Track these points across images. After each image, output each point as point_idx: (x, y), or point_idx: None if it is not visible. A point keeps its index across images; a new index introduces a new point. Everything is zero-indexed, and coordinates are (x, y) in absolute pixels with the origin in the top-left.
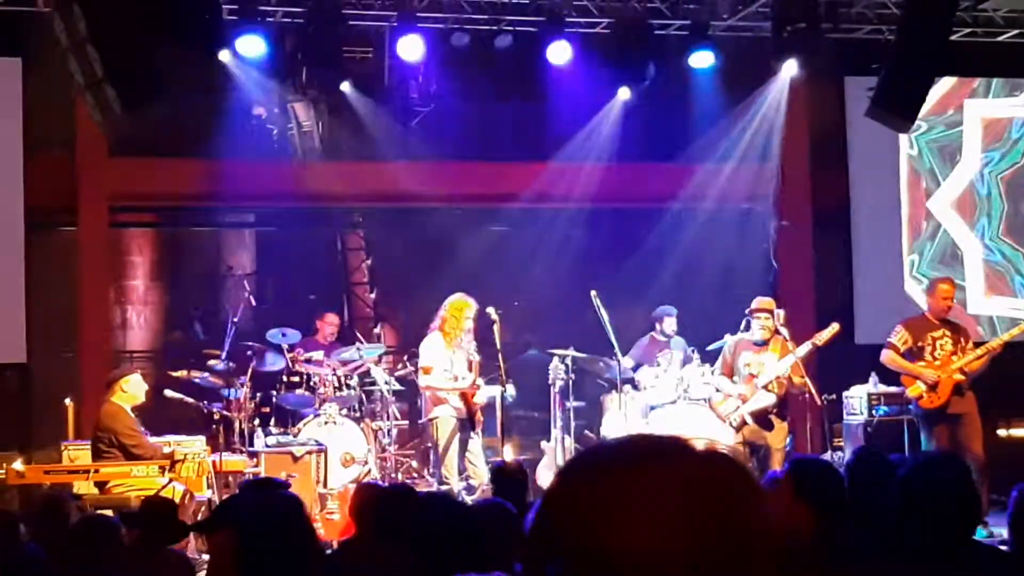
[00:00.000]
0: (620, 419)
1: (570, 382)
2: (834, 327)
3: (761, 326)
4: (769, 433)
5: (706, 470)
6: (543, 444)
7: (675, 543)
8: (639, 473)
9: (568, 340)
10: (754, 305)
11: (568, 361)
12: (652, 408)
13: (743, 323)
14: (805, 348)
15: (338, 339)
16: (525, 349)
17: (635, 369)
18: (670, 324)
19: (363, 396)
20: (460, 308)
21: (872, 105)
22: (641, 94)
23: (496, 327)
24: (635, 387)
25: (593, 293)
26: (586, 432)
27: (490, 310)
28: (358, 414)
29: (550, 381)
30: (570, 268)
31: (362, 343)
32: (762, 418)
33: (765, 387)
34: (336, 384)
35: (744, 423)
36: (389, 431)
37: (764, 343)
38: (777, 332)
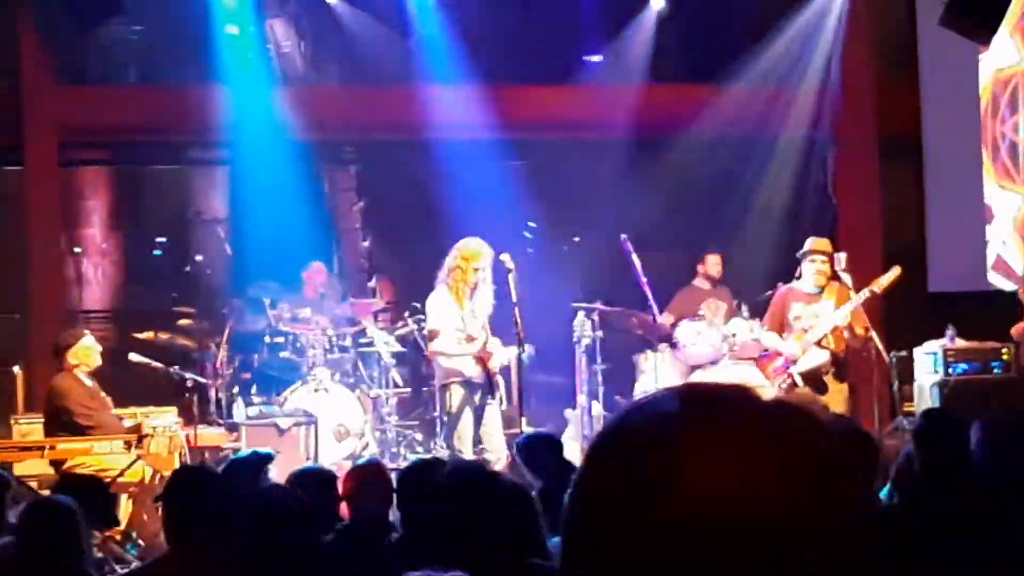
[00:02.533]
0: (656, 382)
1: (597, 341)
2: (895, 271)
3: (815, 271)
4: (823, 397)
5: (783, 424)
6: (567, 413)
7: (760, 513)
8: (701, 433)
9: (595, 292)
10: (807, 246)
11: (595, 316)
12: (693, 368)
13: (797, 270)
14: (860, 297)
15: (328, 293)
16: (545, 303)
17: (674, 325)
18: (714, 267)
19: (358, 359)
20: (471, 255)
21: (946, 12)
22: (676, 4)
23: (512, 278)
24: (673, 345)
25: (623, 237)
26: (617, 398)
27: (504, 258)
28: (352, 380)
29: (575, 340)
30: (597, 208)
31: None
32: (815, 379)
33: (818, 343)
34: (327, 346)
35: (794, 385)
36: (388, 399)
37: (819, 292)
38: (835, 278)
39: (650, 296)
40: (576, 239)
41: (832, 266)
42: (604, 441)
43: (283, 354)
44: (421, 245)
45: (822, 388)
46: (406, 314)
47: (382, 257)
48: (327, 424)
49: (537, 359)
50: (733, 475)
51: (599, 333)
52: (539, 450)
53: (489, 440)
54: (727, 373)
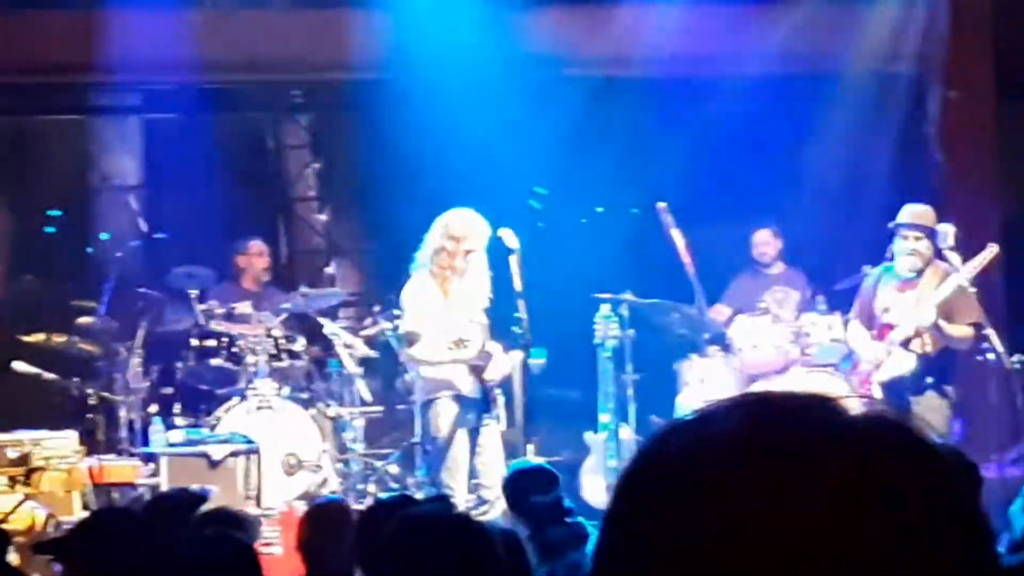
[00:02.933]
0: (703, 396)
1: (627, 343)
2: (990, 250)
3: (909, 250)
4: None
5: (882, 456)
6: (587, 437)
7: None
8: (766, 467)
9: (624, 278)
10: (900, 218)
11: (624, 311)
12: (753, 379)
13: (889, 249)
14: (947, 289)
15: (273, 282)
16: (558, 294)
17: (728, 321)
18: (775, 244)
19: (313, 369)
20: (461, 233)
21: None
22: None
23: (514, 261)
24: (727, 348)
25: (661, 207)
26: (653, 418)
27: (504, 235)
28: (306, 396)
29: (597, 341)
30: (624, 170)
31: (310, 289)
32: (901, 392)
33: (905, 344)
34: (272, 351)
35: (871, 401)
36: (353, 421)
37: (915, 276)
38: (939, 258)
39: (696, 283)
40: (599, 209)
41: (933, 243)
42: (637, 478)
43: (215, 362)
44: (396, 219)
45: (905, 404)
46: (376, 309)
47: (344, 235)
48: (273, 453)
49: (548, 367)
50: (811, 526)
51: (629, 332)
52: (524, 487)
53: (486, 473)
54: (798, 385)
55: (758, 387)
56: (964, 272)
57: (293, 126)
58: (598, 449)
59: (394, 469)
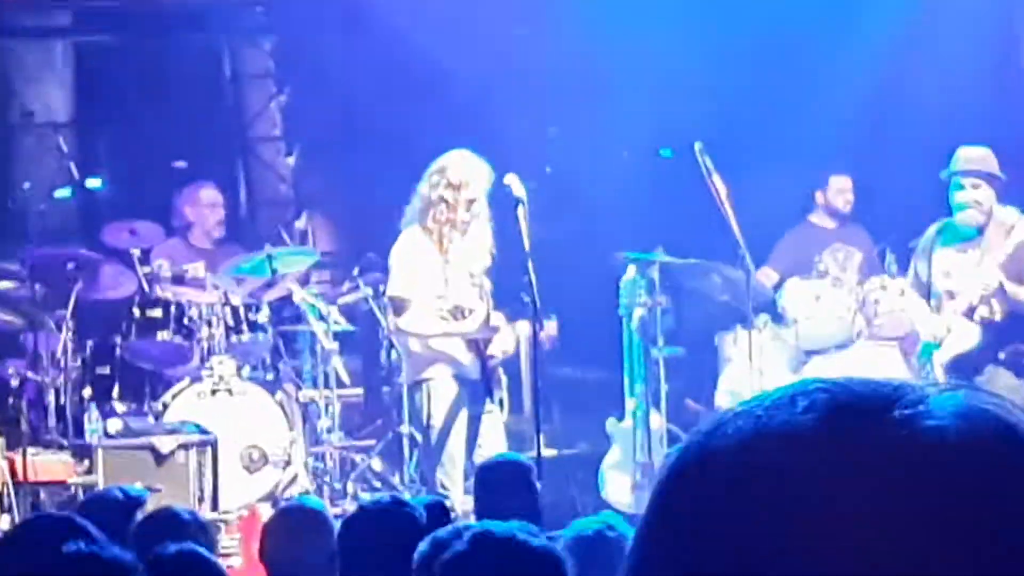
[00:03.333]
0: (749, 376)
1: (658, 312)
2: None
3: (969, 202)
4: None
5: (984, 456)
6: (609, 426)
7: None
8: (850, 476)
9: (655, 235)
10: (954, 164)
11: (655, 274)
12: (809, 355)
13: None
14: (1014, 240)
15: (230, 238)
16: (574, 253)
17: (778, 285)
18: (840, 195)
19: (280, 344)
20: (460, 179)
21: None
22: None
23: (522, 213)
24: (778, 318)
25: (697, 147)
26: (688, 402)
27: (511, 181)
28: (272, 376)
29: (622, 311)
30: (654, 104)
31: (276, 246)
32: (968, 371)
33: (969, 315)
34: (230, 322)
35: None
36: (329, 407)
37: (977, 234)
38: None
39: (740, 240)
40: (624, 153)
41: (995, 192)
42: (676, 486)
43: (162, 335)
44: (379, 163)
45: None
46: (356, 272)
47: (317, 182)
48: (232, 445)
49: (562, 342)
50: (906, 558)
51: (661, 300)
52: (494, 483)
53: None
54: (864, 362)
55: (815, 366)
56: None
57: (253, 51)
58: (623, 440)
59: (377, 464)
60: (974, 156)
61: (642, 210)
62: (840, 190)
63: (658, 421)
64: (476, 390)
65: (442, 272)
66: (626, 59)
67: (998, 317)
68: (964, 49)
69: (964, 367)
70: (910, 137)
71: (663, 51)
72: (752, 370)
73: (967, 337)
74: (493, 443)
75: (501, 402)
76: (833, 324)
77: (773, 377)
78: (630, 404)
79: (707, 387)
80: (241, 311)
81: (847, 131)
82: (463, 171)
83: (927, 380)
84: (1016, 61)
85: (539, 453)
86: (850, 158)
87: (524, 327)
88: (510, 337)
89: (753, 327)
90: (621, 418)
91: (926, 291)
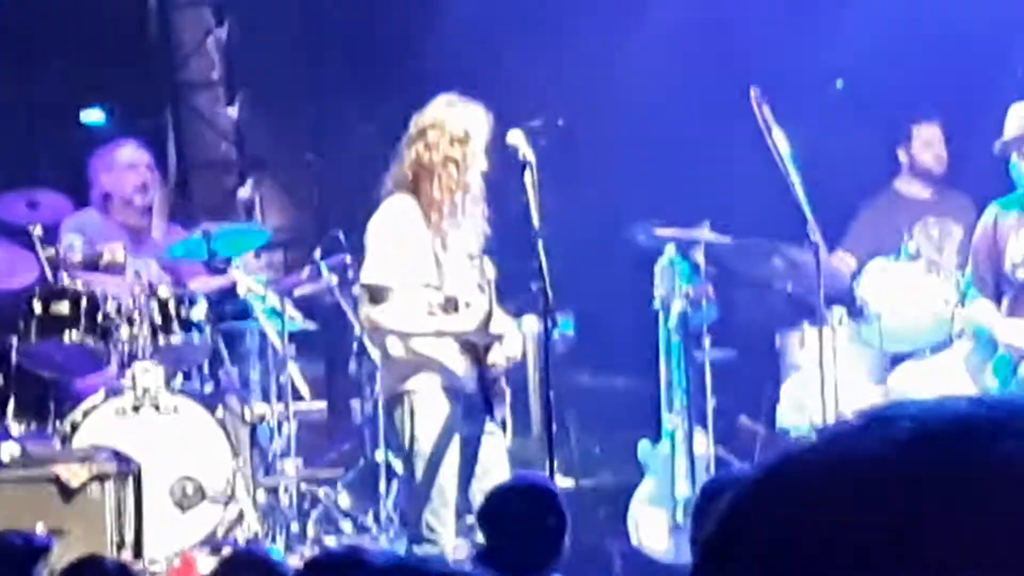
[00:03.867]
0: (821, 386)
1: (704, 305)
2: None
3: None
4: None
5: None
6: (642, 450)
7: None
8: (945, 535)
9: (697, 206)
10: (1009, 129)
11: (699, 256)
12: (896, 359)
13: None
14: None
15: (158, 211)
16: (596, 231)
17: (858, 272)
18: (930, 149)
19: (221, 346)
20: (454, 131)
21: None
22: None
23: (529, 179)
24: (856, 312)
25: (754, 93)
26: (743, 419)
27: (515, 139)
28: (211, 388)
29: (658, 304)
30: (696, 39)
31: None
32: None
33: None
34: (157, 319)
35: None
36: (283, 425)
37: None
38: None
39: (808, 213)
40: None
41: None
42: (734, 534)
43: (70, 336)
44: (346, 115)
45: None
46: (317, 255)
47: (266, 139)
48: (160, 476)
49: (581, 343)
50: None
51: (707, 289)
52: (508, 518)
53: None
54: (962, 369)
55: (905, 373)
56: None
57: None
58: (659, 469)
59: (345, 500)
60: None
61: (683, 175)
62: (927, 142)
63: (703, 444)
64: (472, 406)
65: (435, 254)
66: None
67: None
68: None
69: None
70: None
71: None
72: (824, 379)
73: None
74: (494, 473)
75: (504, 422)
76: (927, 320)
77: (851, 387)
78: (668, 423)
79: (766, 401)
80: (171, 305)
81: (937, 70)
82: (464, 120)
83: None
84: None
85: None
86: (944, 106)
87: (532, 324)
88: (515, 339)
89: (825, 323)
90: (656, 441)
91: (993, 288)
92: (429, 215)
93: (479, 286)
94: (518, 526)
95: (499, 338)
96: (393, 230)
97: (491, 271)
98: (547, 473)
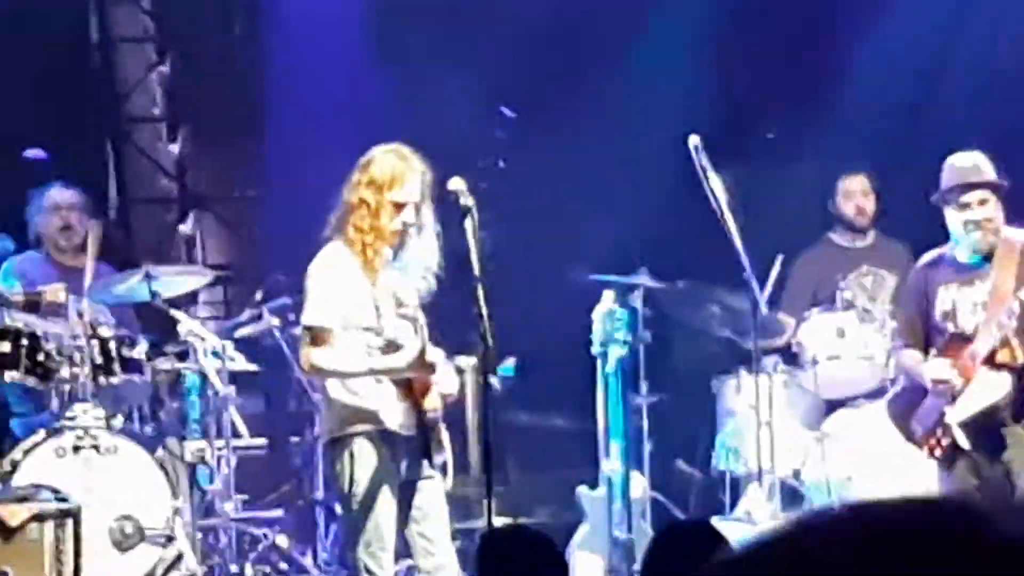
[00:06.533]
0: (756, 431)
1: (642, 350)
2: None
3: (967, 224)
4: (1015, 461)
5: None
6: (580, 493)
7: None
8: None
9: (639, 252)
10: (947, 178)
11: (637, 301)
12: (832, 405)
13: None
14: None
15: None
16: (536, 275)
17: (800, 319)
18: (852, 201)
19: (163, 388)
20: (385, 175)
21: None
22: None
23: (470, 226)
24: (791, 358)
25: (693, 142)
26: (680, 463)
27: (456, 186)
28: (151, 429)
29: (597, 349)
30: (638, 87)
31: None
32: (993, 431)
33: (991, 361)
34: (98, 359)
35: (954, 451)
36: (224, 466)
37: (980, 262)
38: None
39: (746, 259)
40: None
41: (1002, 204)
42: None
43: (10, 375)
44: (290, 152)
45: (1000, 444)
46: (258, 296)
47: (209, 176)
48: (100, 516)
49: (520, 386)
50: None
51: (646, 335)
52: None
53: (426, 553)
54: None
55: (841, 418)
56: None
57: (128, 8)
58: (596, 513)
59: (284, 542)
60: (969, 165)
61: (622, 220)
62: (849, 194)
63: (640, 488)
64: (412, 451)
65: (370, 298)
66: (606, 24)
67: (1021, 359)
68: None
69: (991, 428)
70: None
71: (646, 23)
72: (759, 424)
73: (993, 389)
74: (433, 516)
75: (445, 466)
76: (861, 367)
77: (786, 433)
78: (605, 467)
79: (702, 445)
80: (112, 346)
81: (871, 119)
82: (389, 167)
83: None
84: None
85: (490, 523)
86: (875, 152)
87: (470, 365)
88: (451, 379)
89: (762, 370)
90: (594, 487)
91: (922, 337)
92: (365, 260)
93: (413, 331)
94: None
95: (433, 370)
96: (331, 274)
97: (422, 319)
98: (485, 511)
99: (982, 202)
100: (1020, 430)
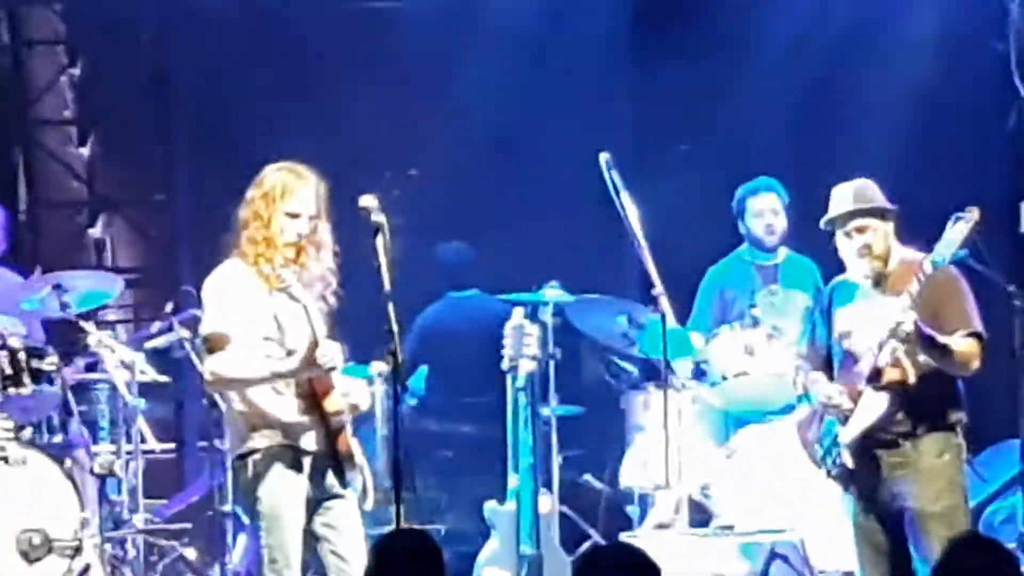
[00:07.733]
0: (664, 447)
1: (551, 364)
2: (967, 221)
3: (855, 250)
4: (899, 481)
5: None
6: (488, 509)
7: None
8: None
9: (549, 266)
10: (833, 208)
11: (547, 316)
12: (739, 424)
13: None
14: (918, 282)
15: (5, 256)
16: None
17: (708, 334)
18: (760, 220)
19: (71, 399)
20: (274, 187)
21: None
22: None
23: (381, 244)
24: (699, 374)
25: (603, 159)
26: (586, 478)
27: (367, 204)
28: (60, 439)
29: (507, 364)
30: (551, 105)
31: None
32: (872, 453)
33: (874, 381)
34: (7, 370)
35: (845, 470)
36: (131, 476)
37: (874, 286)
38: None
39: (655, 274)
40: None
41: (890, 229)
42: None
43: None
44: (203, 156)
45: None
46: (168, 308)
47: (118, 179)
48: (7, 528)
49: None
50: None
51: (556, 352)
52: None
53: (339, 571)
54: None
55: (747, 436)
56: (935, 254)
57: (39, 11)
58: (504, 527)
59: (192, 554)
60: (850, 194)
61: (531, 236)
62: (758, 213)
63: (548, 504)
64: (321, 467)
65: (269, 307)
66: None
67: (911, 379)
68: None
69: (868, 447)
70: (875, 155)
71: (565, 41)
72: (668, 440)
73: (871, 409)
74: (345, 534)
75: (364, 485)
76: (769, 384)
77: (694, 448)
78: (513, 482)
79: (611, 460)
80: (21, 357)
81: (778, 135)
82: (280, 179)
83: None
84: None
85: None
86: (786, 169)
87: (381, 369)
88: (361, 390)
89: (670, 385)
90: (503, 501)
91: (823, 358)
92: (260, 272)
93: (307, 321)
94: None
95: (332, 369)
96: (225, 286)
97: (312, 306)
98: (392, 518)
99: (860, 230)
100: (910, 447)
